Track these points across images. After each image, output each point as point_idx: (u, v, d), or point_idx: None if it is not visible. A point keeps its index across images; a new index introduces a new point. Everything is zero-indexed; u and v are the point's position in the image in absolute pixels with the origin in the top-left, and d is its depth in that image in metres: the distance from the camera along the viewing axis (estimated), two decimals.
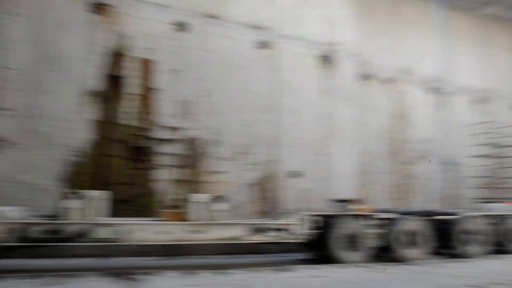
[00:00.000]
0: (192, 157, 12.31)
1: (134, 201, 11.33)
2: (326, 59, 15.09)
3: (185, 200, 9.06)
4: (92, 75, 11.41)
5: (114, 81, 11.67)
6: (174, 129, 12.13)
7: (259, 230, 9.07)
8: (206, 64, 12.87)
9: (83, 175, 11.01)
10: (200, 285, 5.87)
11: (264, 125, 13.39)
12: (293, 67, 14.34)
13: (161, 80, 12.20)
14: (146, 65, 12.13)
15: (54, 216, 8.32)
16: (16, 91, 10.73)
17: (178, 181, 12.01)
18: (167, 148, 12.01)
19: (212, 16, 13.29)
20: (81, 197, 8.05)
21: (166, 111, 12.12)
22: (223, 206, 8.94)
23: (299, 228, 9.42)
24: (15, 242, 7.64)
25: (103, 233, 8.02)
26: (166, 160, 11.95)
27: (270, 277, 6.85)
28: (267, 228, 9.16)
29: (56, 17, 11.31)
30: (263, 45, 13.93)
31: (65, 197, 8.11)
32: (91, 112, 11.30)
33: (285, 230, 9.31)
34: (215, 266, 8.31)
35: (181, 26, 12.75)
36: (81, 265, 8.77)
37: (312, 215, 9.65)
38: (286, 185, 13.39)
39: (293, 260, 9.94)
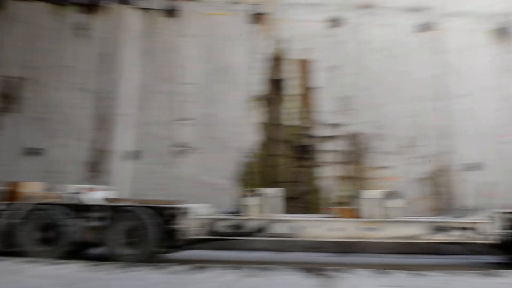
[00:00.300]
0: (356, 153, 12.03)
1: (301, 198, 11.64)
2: (502, 32, 13.00)
3: (355, 197, 8.85)
4: (256, 82, 12.20)
5: (276, 84, 12.24)
6: (335, 125, 12.05)
7: (440, 229, 8.26)
8: (363, 56, 12.44)
9: (254, 174, 11.81)
10: (401, 287, 5.48)
11: (433, 114, 12.23)
12: (461, 47, 12.76)
13: (319, 78, 12.28)
14: (304, 66, 12.37)
15: (235, 213, 9.07)
16: (194, 103, 12.17)
17: (342, 178, 11.87)
18: (329, 145, 12.00)
19: (365, 6, 12.78)
20: (258, 195, 8.60)
21: (326, 109, 12.13)
22: (397, 202, 8.44)
23: (489, 228, 8.26)
24: (206, 235, 8.56)
25: (279, 228, 8.40)
26: (329, 157, 11.94)
27: (476, 282, 6.02)
28: (450, 227, 8.29)
29: (222, 32, 12.44)
30: (424, 27, 12.76)
31: (244, 195, 8.77)
32: (257, 115, 12.08)
33: (472, 229, 8.27)
34: (404, 266, 7.79)
35: (334, 22, 12.62)
36: (264, 258, 9.31)
37: (506, 213, 8.36)
38: (463, 179, 11.96)
39: (486, 264, 8.75)
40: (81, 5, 12.51)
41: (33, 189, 9.13)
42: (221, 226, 8.53)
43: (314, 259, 9.22)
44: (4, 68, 12.34)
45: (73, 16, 12.51)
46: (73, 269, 4.88)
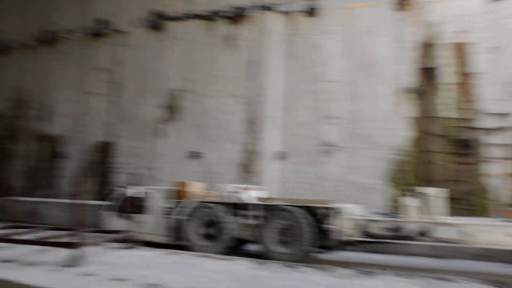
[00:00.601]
0: None
1: (464, 199, 10.39)
2: None
3: None
4: (404, 72, 11.34)
5: (427, 73, 11.18)
6: (502, 115, 10.44)
7: None
8: None
9: (406, 173, 10.99)
10: None
11: None
12: None
13: (480, 62, 10.79)
14: (460, 49, 11.03)
15: (388, 214, 8.53)
16: (338, 100, 11.91)
17: None
18: (496, 138, 10.45)
19: None
20: (417, 195, 7.93)
21: (490, 96, 10.59)
22: None
23: None
24: (359, 237, 8.22)
25: (444, 233, 7.58)
26: (497, 152, 10.40)
27: None
28: None
29: (364, 25, 11.90)
30: None
31: (402, 195, 8.19)
32: (408, 109, 11.22)
33: None
34: None
35: None
36: (426, 265, 8.54)
37: None
38: None
39: None
40: (228, 17, 13.41)
41: (196, 188, 10.07)
42: (376, 228, 8.10)
43: (488, 269, 8.05)
44: (168, 82, 14.02)
45: (222, 28, 13.50)
46: (241, 266, 5.12)
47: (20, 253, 5.60)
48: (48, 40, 16.22)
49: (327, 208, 8.36)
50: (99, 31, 15.29)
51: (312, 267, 5.20)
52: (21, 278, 4.20)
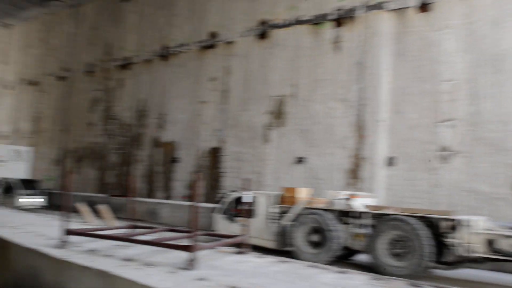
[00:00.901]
0: None
1: None
2: None
3: None
4: None
5: None
6: None
7: None
8: None
9: None
10: None
11: None
12: None
13: None
14: None
15: None
16: (456, 101, 10.83)
17: None
18: None
19: None
20: None
21: None
22: None
23: None
24: (486, 254, 7.32)
25: None
26: None
27: None
28: None
29: (489, 16, 10.66)
30: None
31: None
32: None
33: None
34: None
35: None
36: None
37: None
38: None
39: None
40: (333, 20, 13.07)
41: (302, 194, 9.96)
42: (508, 245, 7.13)
43: None
44: (273, 88, 14.18)
45: (327, 32, 13.22)
46: (358, 281, 4.80)
47: (138, 253, 5.90)
48: (164, 54, 17.64)
49: (451, 220, 7.60)
50: (210, 43, 16.15)
51: (441, 287, 4.65)
52: (140, 279, 4.38)
